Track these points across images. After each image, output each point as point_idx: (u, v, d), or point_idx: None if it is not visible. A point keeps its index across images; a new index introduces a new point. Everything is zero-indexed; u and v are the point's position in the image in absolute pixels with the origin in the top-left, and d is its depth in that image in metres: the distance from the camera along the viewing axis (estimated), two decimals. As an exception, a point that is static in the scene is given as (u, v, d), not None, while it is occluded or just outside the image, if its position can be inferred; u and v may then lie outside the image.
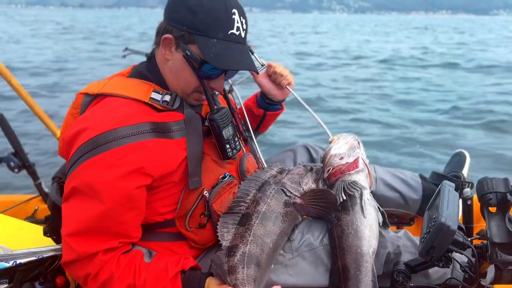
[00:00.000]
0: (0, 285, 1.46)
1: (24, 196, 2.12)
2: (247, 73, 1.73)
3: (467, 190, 1.76)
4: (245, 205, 1.34)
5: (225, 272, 1.21)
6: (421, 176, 1.90)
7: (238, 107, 1.75)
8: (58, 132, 1.98)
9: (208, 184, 1.33)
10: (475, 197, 1.85)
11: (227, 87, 1.67)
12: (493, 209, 1.27)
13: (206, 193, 1.32)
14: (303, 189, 1.42)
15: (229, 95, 1.65)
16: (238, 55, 1.27)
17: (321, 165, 1.51)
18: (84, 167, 1.16)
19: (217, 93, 1.52)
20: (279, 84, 1.70)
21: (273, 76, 1.69)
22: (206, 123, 1.36)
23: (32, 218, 2.00)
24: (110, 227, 1.18)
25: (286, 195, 1.39)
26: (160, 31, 1.31)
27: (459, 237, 1.19)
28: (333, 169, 1.43)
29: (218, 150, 1.38)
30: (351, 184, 1.41)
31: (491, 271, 1.57)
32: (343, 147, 1.44)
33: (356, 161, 1.44)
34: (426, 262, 1.30)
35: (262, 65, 1.66)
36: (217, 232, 1.29)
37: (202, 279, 1.23)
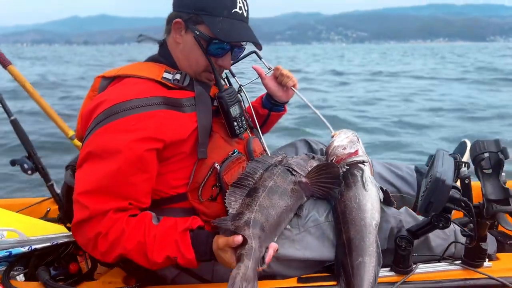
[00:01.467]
0: (14, 272, 1.51)
1: (37, 198, 2.19)
2: (255, 76, 1.85)
3: (463, 170, 1.81)
4: (253, 180, 1.40)
5: (231, 231, 1.24)
6: (417, 170, 1.95)
7: (246, 105, 1.85)
8: (70, 132, 2.08)
9: (218, 159, 1.40)
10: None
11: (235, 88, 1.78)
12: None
13: (217, 166, 1.39)
14: (307, 169, 1.50)
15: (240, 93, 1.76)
16: (243, 30, 1.39)
17: (321, 156, 1.61)
18: (98, 133, 1.25)
19: (224, 75, 1.61)
20: (284, 85, 1.81)
21: (280, 77, 1.80)
22: (215, 104, 1.45)
23: (45, 218, 2.06)
24: (120, 187, 1.24)
25: (292, 174, 1.46)
26: (170, 19, 1.43)
27: (456, 194, 1.25)
28: (336, 157, 1.53)
29: (226, 128, 1.46)
30: (353, 162, 1.49)
31: (493, 245, 1.62)
32: (344, 140, 1.55)
33: (356, 152, 1.53)
34: (427, 225, 1.34)
35: (269, 69, 1.82)
36: (225, 200, 1.35)
37: (209, 235, 1.27)
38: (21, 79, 1.99)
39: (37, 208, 2.11)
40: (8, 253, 1.49)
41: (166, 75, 1.38)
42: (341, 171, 1.47)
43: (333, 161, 1.51)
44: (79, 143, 2.06)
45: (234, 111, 1.45)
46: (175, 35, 1.41)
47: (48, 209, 2.12)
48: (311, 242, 1.43)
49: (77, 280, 1.46)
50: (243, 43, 1.47)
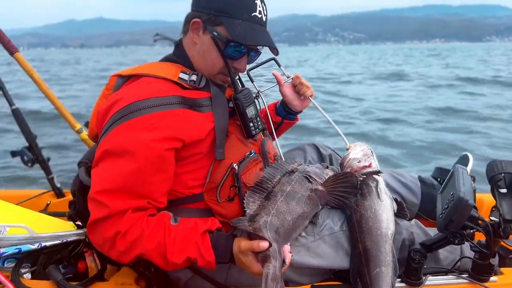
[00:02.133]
0: (22, 269, 1.47)
1: (36, 190, 2.13)
2: (273, 83, 1.85)
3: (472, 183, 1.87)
4: (271, 184, 1.41)
5: (249, 233, 1.25)
6: (420, 179, 2.00)
7: (263, 108, 1.86)
8: (77, 126, 2.03)
9: (236, 159, 1.41)
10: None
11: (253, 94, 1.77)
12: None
13: (235, 166, 1.39)
14: (324, 178, 1.51)
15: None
16: (261, 34, 1.39)
17: (335, 167, 1.64)
18: (116, 131, 1.24)
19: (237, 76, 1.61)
20: (303, 94, 1.82)
21: (298, 86, 1.81)
22: (230, 105, 1.45)
23: (45, 212, 2.01)
24: (139, 186, 1.24)
25: (309, 181, 1.47)
26: (188, 19, 1.41)
27: (475, 213, 1.29)
28: (351, 169, 1.54)
29: (242, 129, 1.47)
30: (368, 173, 1.51)
31: (495, 259, 1.67)
32: (359, 153, 1.57)
33: (370, 165, 1.56)
34: (442, 240, 1.38)
35: (288, 77, 1.82)
36: (244, 201, 1.34)
37: (229, 238, 1.28)
38: (28, 68, 1.92)
39: (37, 200, 2.06)
40: (17, 250, 1.45)
41: (182, 75, 1.38)
42: (357, 176, 1.50)
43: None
44: (86, 137, 2.03)
45: (250, 112, 1.47)
46: (193, 35, 1.41)
47: (48, 202, 2.07)
48: (326, 250, 1.45)
49: (89, 281, 1.44)
50: (260, 47, 1.47)
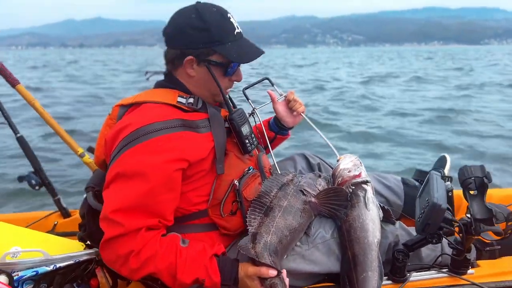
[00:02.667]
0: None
1: (43, 212, 2.24)
2: (268, 101, 1.97)
3: (447, 183, 2.02)
4: (269, 199, 1.54)
5: (255, 256, 1.40)
6: (403, 181, 2.13)
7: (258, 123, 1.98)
8: (79, 150, 2.14)
9: (236, 176, 1.53)
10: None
11: (249, 111, 1.90)
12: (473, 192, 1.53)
13: (236, 182, 1.51)
14: (318, 189, 1.64)
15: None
16: (250, 47, 1.53)
17: (327, 175, 1.75)
18: (127, 154, 1.34)
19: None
20: (295, 110, 1.94)
21: (292, 102, 1.93)
22: (226, 125, 1.57)
23: (52, 232, 2.12)
24: (151, 205, 1.34)
25: (304, 194, 1.60)
26: (173, 58, 1.52)
27: (448, 215, 1.43)
28: (342, 179, 1.66)
29: (238, 147, 1.60)
30: (357, 184, 1.64)
31: (473, 252, 1.83)
32: (349, 164, 1.68)
33: (360, 174, 1.66)
34: (421, 240, 1.53)
35: (281, 95, 1.94)
36: (246, 219, 1.48)
37: (234, 263, 1.42)
38: (29, 98, 2.02)
39: (44, 222, 2.17)
40: (35, 272, 1.56)
41: (180, 99, 1.49)
42: (347, 188, 1.62)
43: (339, 182, 1.64)
44: (89, 160, 2.14)
45: (245, 130, 1.58)
46: (188, 70, 1.51)
47: (55, 222, 2.17)
48: (319, 257, 1.58)
49: (103, 296, 1.56)
50: None
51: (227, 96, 1.63)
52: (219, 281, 1.38)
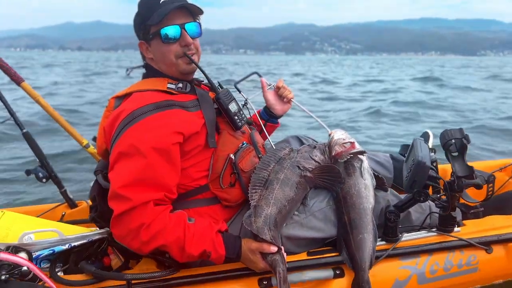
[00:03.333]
0: (56, 268, 1.68)
1: (51, 204, 2.32)
2: (259, 91, 2.10)
3: (431, 154, 2.16)
4: (267, 172, 1.66)
5: (256, 231, 1.54)
6: (391, 156, 2.28)
7: (252, 114, 2.12)
8: (84, 141, 2.24)
9: (232, 151, 1.66)
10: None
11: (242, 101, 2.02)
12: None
13: (232, 156, 1.64)
14: (314, 160, 1.76)
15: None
16: (169, 4, 1.58)
17: (321, 145, 1.85)
18: (126, 135, 1.46)
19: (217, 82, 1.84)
20: (285, 97, 2.07)
21: (281, 90, 2.06)
22: (216, 106, 1.70)
23: (63, 221, 2.21)
24: (155, 178, 1.44)
25: (299, 169, 1.72)
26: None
27: (433, 173, 1.57)
28: (338, 148, 1.76)
29: (230, 125, 1.72)
30: (354, 154, 1.76)
31: (458, 213, 1.97)
32: (343, 135, 1.80)
33: (353, 144, 1.77)
34: (410, 200, 1.66)
35: (269, 85, 2.08)
36: (248, 193, 1.62)
37: (237, 238, 1.56)
38: (34, 95, 2.12)
39: (52, 213, 2.25)
40: (51, 251, 1.66)
41: (169, 85, 1.63)
42: (345, 158, 1.73)
43: (336, 152, 1.75)
44: (93, 151, 2.24)
45: (233, 107, 1.72)
46: (146, 54, 1.68)
47: (63, 213, 2.26)
48: (316, 224, 1.71)
49: (118, 269, 1.66)
50: (195, 19, 1.68)
51: (212, 80, 1.77)
52: (224, 253, 1.51)
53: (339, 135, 1.77)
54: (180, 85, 1.64)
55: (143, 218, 1.41)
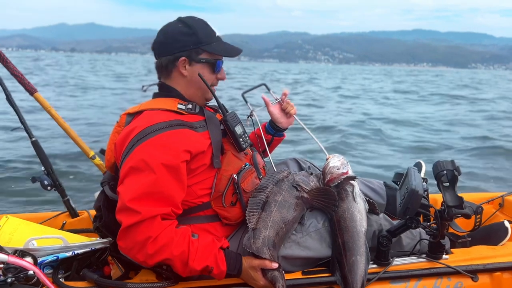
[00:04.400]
0: (58, 275, 1.73)
1: (53, 212, 2.36)
2: (263, 104, 2.17)
3: (423, 184, 2.25)
4: (265, 194, 1.74)
5: (256, 252, 1.61)
6: (385, 184, 2.37)
7: (256, 127, 2.19)
8: (91, 153, 2.31)
9: (235, 171, 1.74)
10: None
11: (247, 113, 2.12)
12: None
13: (235, 176, 1.72)
14: (310, 184, 1.84)
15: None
16: (231, 46, 1.78)
17: (318, 173, 1.95)
18: (137, 150, 1.53)
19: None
20: (288, 113, 2.15)
21: (285, 105, 2.14)
22: (222, 127, 1.79)
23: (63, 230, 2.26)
24: (163, 193, 1.50)
25: (297, 190, 1.80)
26: (167, 64, 1.75)
27: (425, 201, 1.66)
28: (331, 175, 1.85)
29: (235, 146, 1.81)
30: (345, 180, 1.85)
31: (447, 242, 2.05)
32: (338, 162, 1.88)
33: (347, 172, 1.86)
34: (402, 226, 1.75)
35: (276, 99, 2.15)
36: (246, 215, 1.69)
37: (238, 255, 1.63)
38: (46, 105, 2.20)
39: (53, 221, 2.30)
40: (55, 257, 1.71)
41: (180, 106, 1.71)
42: (336, 183, 1.82)
43: (329, 178, 1.85)
44: (99, 162, 2.31)
45: (238, 130, 1.80)
46: (181, 70, 1.73)
47: (64, 222, 2.31)
48: (312, 244, 1.78)
49: (119, 279, 1.72)
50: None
51: (221, 103, 1.85)
52: (225, 269, 1.58)
53: (334, 162, 1.85)
54: (190, 106, 1.72)
55: (150, 231, 1.46)
